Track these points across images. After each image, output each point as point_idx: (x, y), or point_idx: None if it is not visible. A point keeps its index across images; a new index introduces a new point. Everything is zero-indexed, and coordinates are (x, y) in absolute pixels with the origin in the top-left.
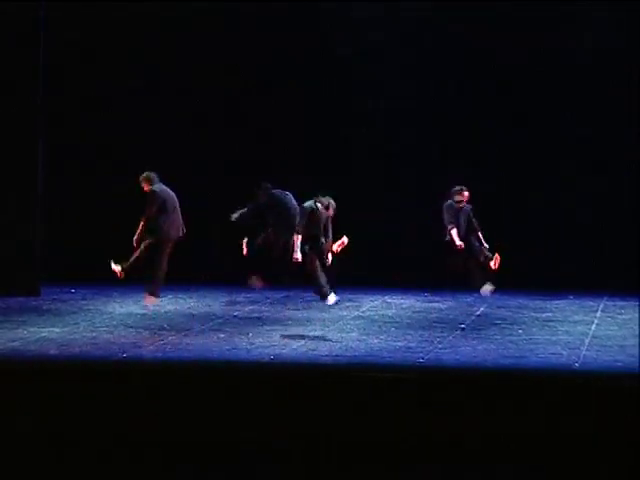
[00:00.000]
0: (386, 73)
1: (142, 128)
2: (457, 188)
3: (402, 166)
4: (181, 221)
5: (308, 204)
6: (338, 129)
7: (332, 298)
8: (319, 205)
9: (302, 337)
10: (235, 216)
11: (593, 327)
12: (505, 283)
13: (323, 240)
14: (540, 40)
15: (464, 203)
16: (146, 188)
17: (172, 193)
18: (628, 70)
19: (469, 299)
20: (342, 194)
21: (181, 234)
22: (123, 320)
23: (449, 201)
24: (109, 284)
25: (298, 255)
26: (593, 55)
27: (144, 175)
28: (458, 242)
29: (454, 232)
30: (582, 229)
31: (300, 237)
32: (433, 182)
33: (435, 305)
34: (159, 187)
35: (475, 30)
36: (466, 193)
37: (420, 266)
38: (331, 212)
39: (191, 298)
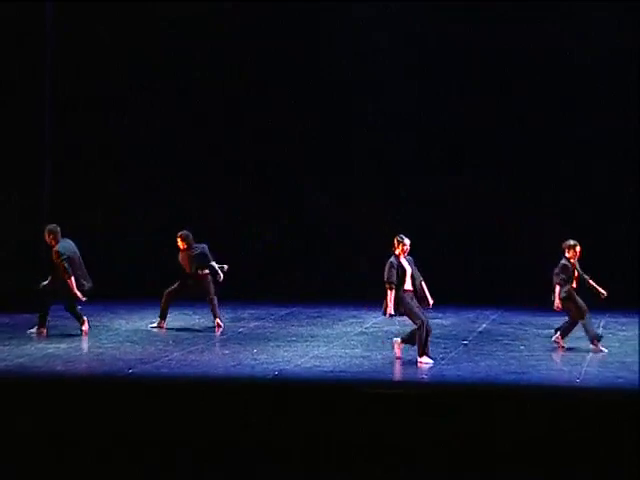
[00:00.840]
0: (385, 75)
1: (156, 134)
2: (569, 243)
3: (402, 173)
4: (86, 273)
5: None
6: (338, 131)
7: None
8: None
9: (306, 353)
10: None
11: None
12: (507, 300)
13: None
14: (540, 40)
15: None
16: (51, 243)
17: (74, 247)
18: (628, 70)
19: (471, 315)
20: (344, 205)
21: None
22: (129, 336)
23: (563, 261)
24: (115, 301)
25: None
26: (593, 55)
27: (49, 228)
28: (556, 302)
29: (557, 290)
30: (584, 246)
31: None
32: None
33: (438, 321)
34: (63, 245)
35: (475, 30)
36: (578, 248)
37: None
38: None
39: (196, 314)
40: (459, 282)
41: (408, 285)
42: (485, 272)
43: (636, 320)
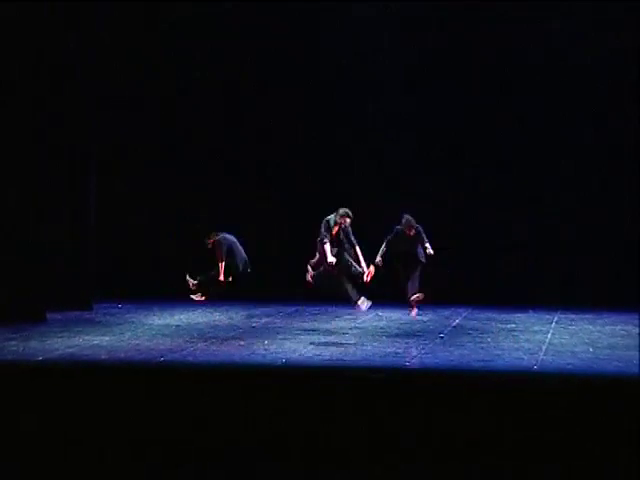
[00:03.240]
0: (384, 76)
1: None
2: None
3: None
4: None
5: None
6: (337, 131)
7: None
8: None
9: (309, 344)
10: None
11: (549, 336)
12: (476, 299)
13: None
14: (540, 40)
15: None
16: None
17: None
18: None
19: (446, 313)
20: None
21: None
22: (161, 330)
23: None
24: (149, 300)
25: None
26: (592, 56)
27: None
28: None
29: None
30: (540, 251)
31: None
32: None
33: (418, 318)
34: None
35: (475, 30)
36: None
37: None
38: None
39: (216, 312)
40: (437, 282)
41: None
42: (458, 273)
43: (583, 316)
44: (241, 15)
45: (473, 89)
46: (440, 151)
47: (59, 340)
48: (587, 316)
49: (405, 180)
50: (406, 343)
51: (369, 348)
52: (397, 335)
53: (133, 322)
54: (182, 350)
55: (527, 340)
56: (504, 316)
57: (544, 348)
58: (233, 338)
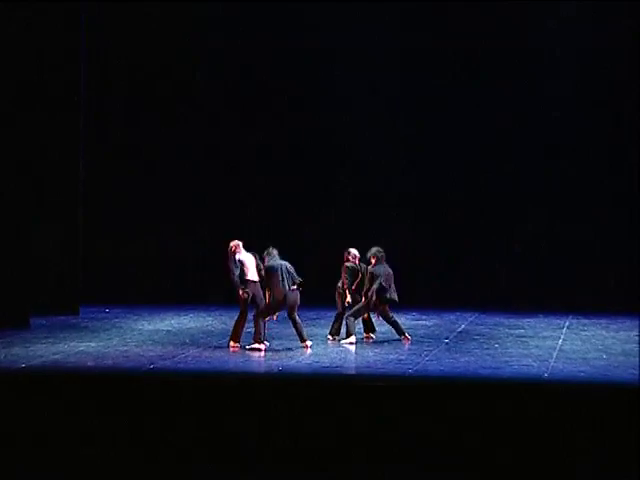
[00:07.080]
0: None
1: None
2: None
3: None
4: None
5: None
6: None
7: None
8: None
9: (307, 350)
10: None
11: (560, 342)
12: (483, 304)
13: None
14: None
15: None
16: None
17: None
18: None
19: (452, 317)
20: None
21: None
22: (151, 336)
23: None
24: (138, 304)
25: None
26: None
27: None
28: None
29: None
30: (550, 254)
31: None
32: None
33: (422, 322)
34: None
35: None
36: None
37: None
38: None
39: (210, 316)
40: (441, 286)
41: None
42: (464, 277)
43: (596, 321)
44: (243, 18)
45: (473, 86)
46: (449, 152)
47: (43, 346)
48: (600, 321)
49: (409, 183)
50: (409, 349)
51: (370, 355)
52: (399, 341)
53: (121, 327)
54: (173, 357)
55: (537, 346)
56: (512, 321)
57: (555, 355)
58: (227, 344)
